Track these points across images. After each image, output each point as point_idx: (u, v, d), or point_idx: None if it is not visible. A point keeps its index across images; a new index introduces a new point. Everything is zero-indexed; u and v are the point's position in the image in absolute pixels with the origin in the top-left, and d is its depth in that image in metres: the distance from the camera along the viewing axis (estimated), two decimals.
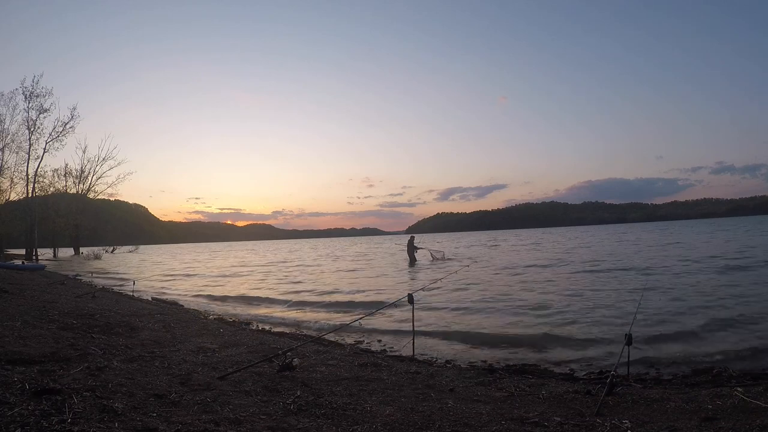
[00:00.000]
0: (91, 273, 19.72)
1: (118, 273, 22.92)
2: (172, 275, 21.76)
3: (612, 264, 17.24)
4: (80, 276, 19.07)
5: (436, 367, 5.29)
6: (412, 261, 22.40)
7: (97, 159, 47.42)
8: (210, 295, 13.45)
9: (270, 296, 12.78)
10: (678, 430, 2.83)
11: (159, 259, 41.65)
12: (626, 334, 4.27)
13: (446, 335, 7.10)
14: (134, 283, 15.00)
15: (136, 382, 3.16)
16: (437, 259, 22.86)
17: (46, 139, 37.97)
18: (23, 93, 36.57)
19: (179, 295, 13.53)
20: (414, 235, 24.81)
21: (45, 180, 41.48)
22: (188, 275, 21.43)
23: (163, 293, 13.84)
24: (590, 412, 3.21)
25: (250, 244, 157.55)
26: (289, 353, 4.43)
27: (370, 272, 19.24)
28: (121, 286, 15.66)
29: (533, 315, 8.27)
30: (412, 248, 22.87)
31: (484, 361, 5.67)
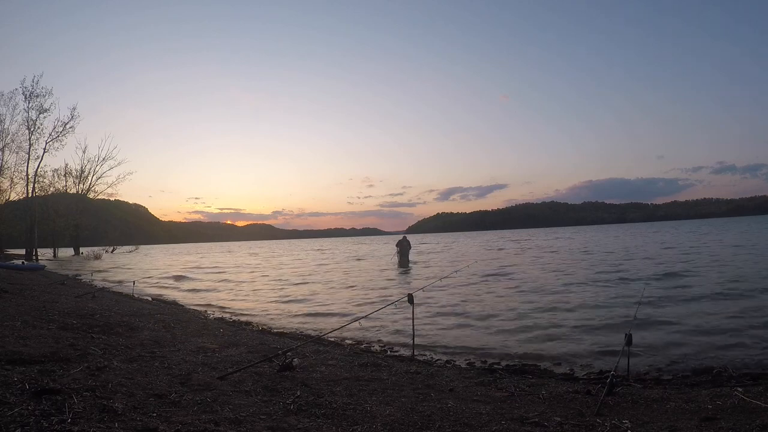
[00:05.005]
0: (91, 273, 19.72)
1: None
2: None
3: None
4: (80, 276, 19.06)
5: (436, 367, 5.29)
6: (406, 262, 22.21)
7: (97, 159, 47.43)
8: None
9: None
10: (678, 430, 2.83)
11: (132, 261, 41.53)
12: (626, 334, 4.27)
13: (446, 335, 7.10)
14: (134, 284, 15.00)
15: (136, 382, 3.15)
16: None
17: (46, 139, 38.01)
18: (23, 93, 36.61)
19: None
20: (406, 235, 24.46)
21: (45, 180, 41.50)
22: None
23: None
24: (590, 412, 3.21)
25: (248, 244, 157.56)
26: (289, 353, 4.43)
27: (368, 273, 19.23)
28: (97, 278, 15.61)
29: (533, 315, 8.27)
30: (405, 249, 22.63)
31: (484, 361, 5.67)
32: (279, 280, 17.66)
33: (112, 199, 72.01)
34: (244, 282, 17.42)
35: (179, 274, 22.20)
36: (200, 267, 27.86)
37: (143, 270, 25.85)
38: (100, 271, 21.16)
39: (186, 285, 17.02)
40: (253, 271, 22.83)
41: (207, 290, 15.06)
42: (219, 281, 18.14)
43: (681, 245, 26.94)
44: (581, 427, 2.89)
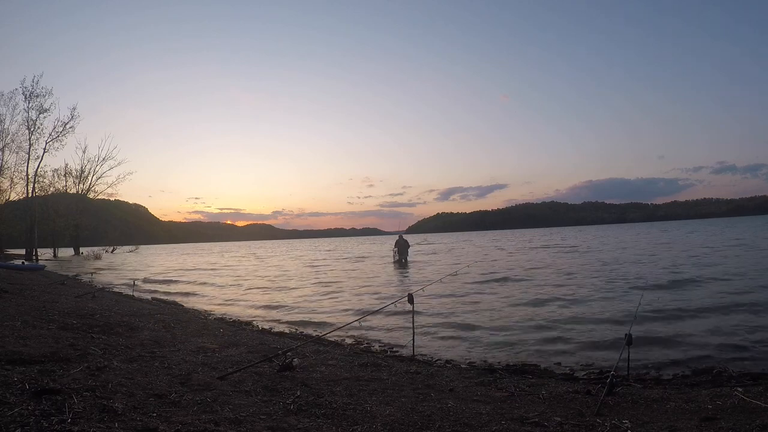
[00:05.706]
0: (92, 273, 19.68)
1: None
2: None
3: None
4: (80, 276, 19.05)
5: (436, 367, 5.29)
6: (404, 262, 22.03)
7: (97, 159, 47.59)
8: None
9: None
10: (678, 430, 2.83)
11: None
12: (626, 334, 4.27)
13: (446, 335, 7.10)
14: (134, 283, 15.02)
15: (136, 382, 3.15)
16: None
17: (46, 139, 38.12)
18: (23, 93, 36.75)
19: None
20: (402, 234, 24.03)
21: (45, 180, 41.60)
22: None
23: None
24: (590, 412, 3.21)
25: (248, 244, 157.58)
26: (289, 353, 4.43)
27: (367, 273, 19.23)
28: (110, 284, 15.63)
29: (534, 315, 8.27)
30: (403, 248, 22.51)
31: (484, 361, 5.67)
32: (278, 280, 17.66)
33: (112, 199, 72.17)
34: (243, 283, 17.41)
35: (178, 274, 22.21)
36: (199, 267, 27.87)
37: (141, 270, 25.85)
38: (92, 273, 20.88)
39: (184, 286, 17.02)
40: (252, 272, 22.83)
41: (205, 291, 15.07)
42: (218, 282, 18.15)
43: (684, 246, 26.93)
44: (581, 427, 2.89)
